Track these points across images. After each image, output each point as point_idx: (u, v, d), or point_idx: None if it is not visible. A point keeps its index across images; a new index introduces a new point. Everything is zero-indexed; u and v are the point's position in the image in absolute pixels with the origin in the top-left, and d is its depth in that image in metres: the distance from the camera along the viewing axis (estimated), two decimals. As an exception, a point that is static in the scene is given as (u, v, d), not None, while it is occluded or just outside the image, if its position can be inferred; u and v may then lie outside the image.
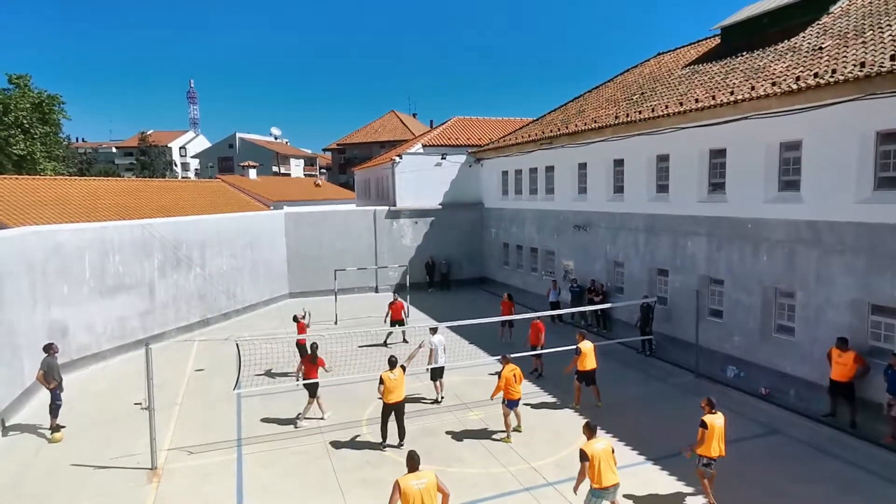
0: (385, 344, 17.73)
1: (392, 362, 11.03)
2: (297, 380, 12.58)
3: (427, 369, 13.46)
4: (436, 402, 13.36)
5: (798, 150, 12.65)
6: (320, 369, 12.29)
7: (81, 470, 10.38)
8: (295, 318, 15.52)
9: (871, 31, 12.47)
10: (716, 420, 8.58)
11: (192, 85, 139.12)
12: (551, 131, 22.26)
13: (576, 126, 20.59)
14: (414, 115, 71.07)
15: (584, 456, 7.69)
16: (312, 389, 12.27)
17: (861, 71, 10.79)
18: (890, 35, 11.73)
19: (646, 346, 16.66)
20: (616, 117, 18.38)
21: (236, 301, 22.79)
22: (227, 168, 71.59)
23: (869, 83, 10.70)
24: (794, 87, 12.05)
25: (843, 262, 11.69)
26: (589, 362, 12.64)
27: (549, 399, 13.44)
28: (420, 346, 13.09)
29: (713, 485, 8.87)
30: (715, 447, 8.54)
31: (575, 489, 7.96)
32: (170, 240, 19.53)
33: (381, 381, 10.76)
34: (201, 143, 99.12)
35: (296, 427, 12.08)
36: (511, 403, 11.30)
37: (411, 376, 14.78)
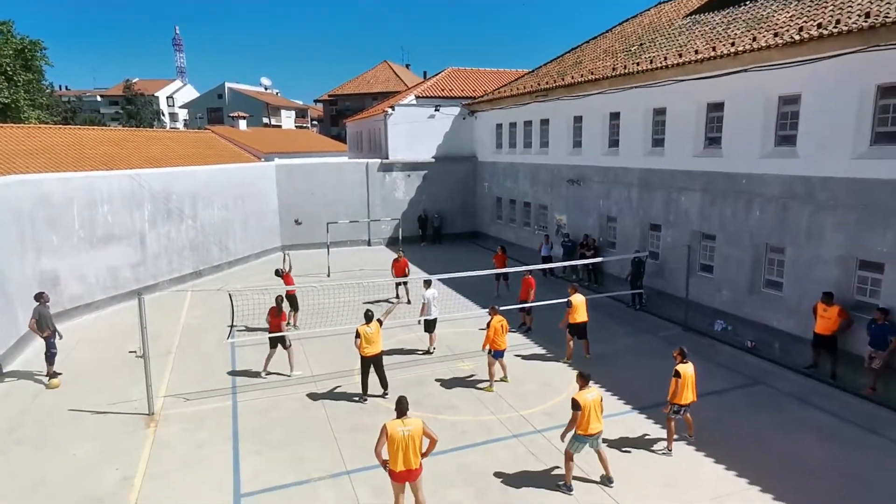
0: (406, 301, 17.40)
1: (368, 316, 10.99)
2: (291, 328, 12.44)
3: (419, 321, 13.61)
4: (427, 352, 13.57)
5: (796, 104, 12.47)
6: (284, 324, 12.15)
7: (79, 415, 10.56)
8: (278, 273, 15.40)
9: (879, -20, 12.08)
10: (687, 369, 8.92)
11: (178, 31, 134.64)
12: (547, 83, 21.80)
13: (572, 78, 20.15)
14: (407, 66, 69.27)
15: (576, 405, 7.90)
16: (276, 342, 12.16)
17: (866, 22, 10.53)
18: (898, -16, 11.37)
19: (636, 300, 16.87)
20: (613, 69, 17.98)
21: (228, 253, 22.74)
22: (216, 119, 70.03)
23: (873, 34, 10.46)
24: (797, 38, 11.77)
25: (835, 219, 11.73)
26: (580, 315, 12.80)
27: (539, 351, 13.69)
28: (397, 300, 13.14)
29: (691, 430, 9.27)
30: (687, 395, 8.90)
31: (563, 436, 8.22)
32: (160, 191, 19.28)
33: (358, 335, 10.77)
34: (189, 93, 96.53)
35: (263, 377, 12.09)
36: (497, 354, 11.48)
37: (403, 328, 15.04)
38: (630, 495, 7.98)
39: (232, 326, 12.75)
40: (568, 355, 12.99)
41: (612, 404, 10.52)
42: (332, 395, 11.34)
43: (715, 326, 14.60)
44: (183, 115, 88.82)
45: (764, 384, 11.60)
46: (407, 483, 7.11)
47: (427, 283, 13.78)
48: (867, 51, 10.76)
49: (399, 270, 17.15)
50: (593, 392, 8.13)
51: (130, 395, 11.16)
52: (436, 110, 28.42)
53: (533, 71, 26.46)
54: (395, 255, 17.82)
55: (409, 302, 17.37)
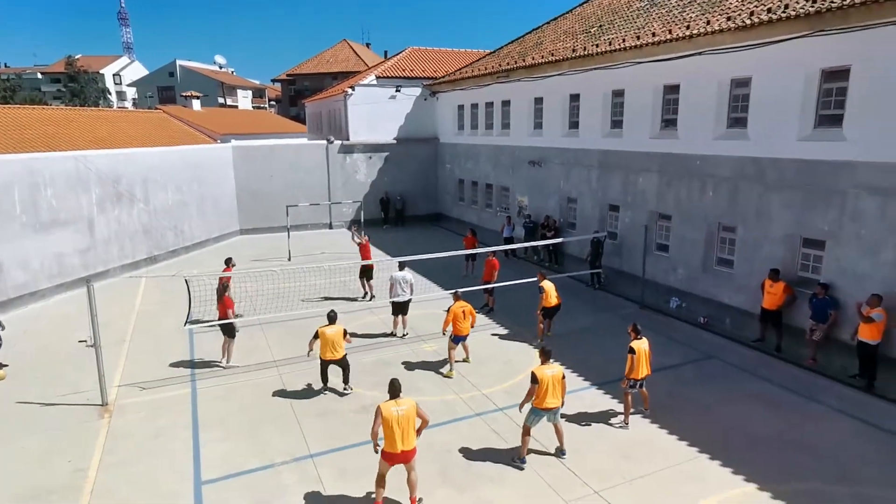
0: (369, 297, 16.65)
1: (331, 317, 10.56)
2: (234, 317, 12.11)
3: (390, 303, 13.54)
4: (392, 335, 13.55)
5: (747, 87, 12.85)
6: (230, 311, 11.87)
7: (28, 407, 10.14)
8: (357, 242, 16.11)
9: (825, -33, 12.48)
10: (641, 345, 9.25)
11: (123, 4, 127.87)
12: (508, 64, 21.77)
13: (533, 59, 20.18)
14: (367, 46, 67.99)
15: (534, 378, 8.09)
16: (225, 329, 11.87)
17: (812, 7, 10.88)
18: (842, -29, 11.77)
19: (595, 279, 17.25)
20: (573, 50, 18.09)
21: (184, 238, 22.06)
22: (168, 98, 67.34)
23: (819, 19, 10.83)
24: (748, 22, 12.08)
25: (782, 198, 12.23)
26: (552, 299, 12.86)
27: (501, 331, 13.87)
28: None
29: (647, 404, 9.65)
30: (642, 369, 9.25)
31: (520, 407, 8.41)
32: (108, 173, 18.45)
33: (316, 336, 10.39)
34: (138, 71, 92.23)
35: (224, 367, 11.84)
36: (457, 339, 11.50)
37: (367, 311, 14.98)
38: (588, 468, 8.24)
39: (189, 313, 12.42)
40: (539, 334, 13.09)
41: (572, 381, 10.78)
42: (295, 381, 11.23)
43: (670, 304, 15.10)
44: (131, 93, 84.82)
45: (716, 358, 12.10)
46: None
47: (401, 266, 13.65)
48: (813, 35, 11.15)
49: (365, 253, 16.48)
50: (554, 368, 8.29)
51: (82, 386, 10.79)
52: (397, 91, 28.04)
53: (494, 52, 26.36)
54: (358, 240, 16.98)
55: (371, 297, 16.21)
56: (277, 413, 9.96)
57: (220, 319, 11.83)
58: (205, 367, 11.88)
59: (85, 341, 12.65)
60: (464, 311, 11.43)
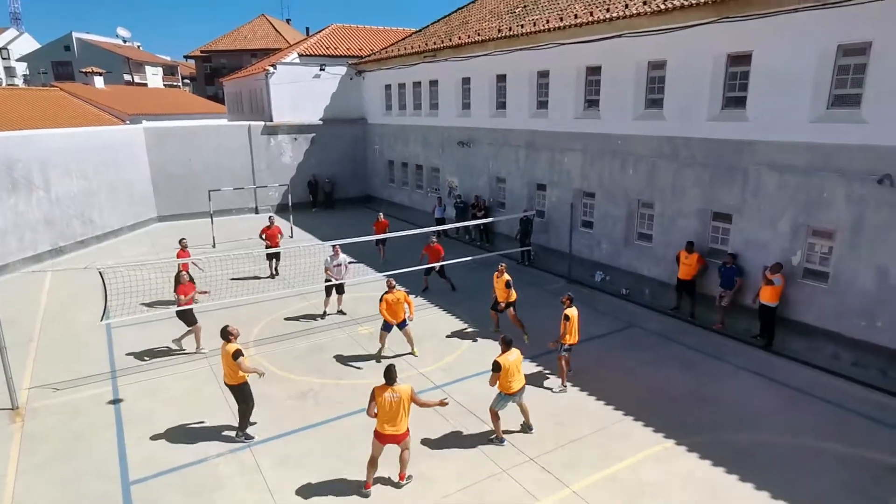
0: (274, 275, 16.73)
1: (224, 334, 8.43)
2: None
3: (327, 285, 13.41)
4: (325, 314, 13.48)
5: (663, 69, 13.55)
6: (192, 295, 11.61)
7: (-79, 418, 9.23)
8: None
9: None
10: (575, 312, 9.87)
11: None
12: (435, 44, 21.67)
13: (459, 39, 20.20)
14: (288, 21, 65.21)
15: (497, 367, 8.20)
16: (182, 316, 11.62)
17: (719, -6, 11.58)
18: (744, -39, 12.58)
19: (525, 256, 17.78)
20: (499, 31, 18.27)
21: (95, 227, 20.54)
22: (65, 75, 61.56)
23: (724, 6, 11.56)
24: (663, 6, 12.68)
25: (694, 175, 13.08)
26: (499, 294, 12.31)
27: (436, 311, 14.05)
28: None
29: (569, 366, 10.17)
30: (575, 335, 9.89)
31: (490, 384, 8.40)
32: None
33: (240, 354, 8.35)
34: (28, 44, 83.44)
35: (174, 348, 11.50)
36: (386, 326, 11.26)
37: (298, 297, 14.68)
38: (526, 438, 8.60)
39: (106, 307, 11.65)
40: (496, 325, 12.69)
41: (507, 355, 11.14)
42: (227, 370, 10.86)
43: (595, 277, 15.86)
44: (21, 69, 76.87)
45: (637, 326, 12.89)
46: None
47: (335, 248, 13.43)
48: (720, 22, 11.89)
49: (272, 239, 16.21)
50: (514, 354, 8.42)
51: (-14, 390, 9.92)
52: (321, 70, 27.22)
53: (420, 30, 26.11)
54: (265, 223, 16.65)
55: (274, 275, 16.53)
56: (210, 405, 9.63)
57: (179, 307, 11.38)
58: (128, 361, 11.26)
59: (-14, 342, 11.59)
60: (397, 300, 11.08)
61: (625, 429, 8.81)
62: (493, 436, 8.55)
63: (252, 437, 8.61)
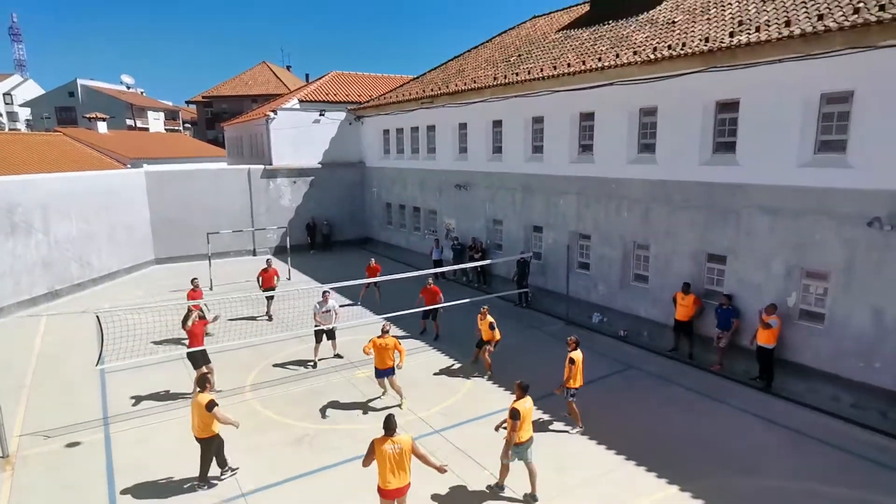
0: (268, 317, 16.80)
1: (201, 382, 8.57)
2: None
3: (318, 330, 13.27)
4: (314, 363, 13.24)
5: (654, 115, 13.95)
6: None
7: None
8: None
9: (715, 9, 13.92)
10: (580, 355, 9.83)
11: (15, 20, 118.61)
12: (432, 90, 22.30)
13: (456, 86, 20.81)
14: (288, 68, 67.06)
15: (516, 414, 7.82)
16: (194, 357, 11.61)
17: (705, 45, 12.07)
18: (730, 13, 13.18)
19: (522, 298, 17.80)
20: (494, 78, 18.85)
21: (92, 269, 20.56)
22: (68, 120, 62.75)
23: (712, 56, 12.02)
24: (652, 56, 13.17)
25: (688, 217, 13.29)
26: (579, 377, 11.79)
27: (434, 354, 13.97)
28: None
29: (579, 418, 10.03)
30: (579, 379, 9.80)
31: (505, 453, 8.01)
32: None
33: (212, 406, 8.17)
34: (32, 90, 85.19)
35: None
36: (378, 373, 10.99)
37: (296, 339, 14.58)
38: (526, 483, 8.42)
39: (101, 352, 11.55)
40: (474, 358, 12.94)
41: (507, 398, 11.03)
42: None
43: (593, 319, 15.86)
44: (24, 114, 78.26)
45: (636, 368, 12.82)
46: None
47: (325, 293, 13.39)
48: (707, 71, 12.34)
49: (268, 281, 16.39)
50: (529, 401, 8.15)
51: (-24, 438, 9.72)
52: (321, 115, 27.86)
53: (418, 77, 26.90)
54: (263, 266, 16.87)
55: (269, 318, 16.59)
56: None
57: (190, 348, 11.28)
58: (120, 408, 11.08)
59: (-22, 388, 11.44)
60: (385, 345, 10.73)
61: (627, 475, 8.66)
62: (495, 483, 8.35)
63: (215, 484, 8.42)
